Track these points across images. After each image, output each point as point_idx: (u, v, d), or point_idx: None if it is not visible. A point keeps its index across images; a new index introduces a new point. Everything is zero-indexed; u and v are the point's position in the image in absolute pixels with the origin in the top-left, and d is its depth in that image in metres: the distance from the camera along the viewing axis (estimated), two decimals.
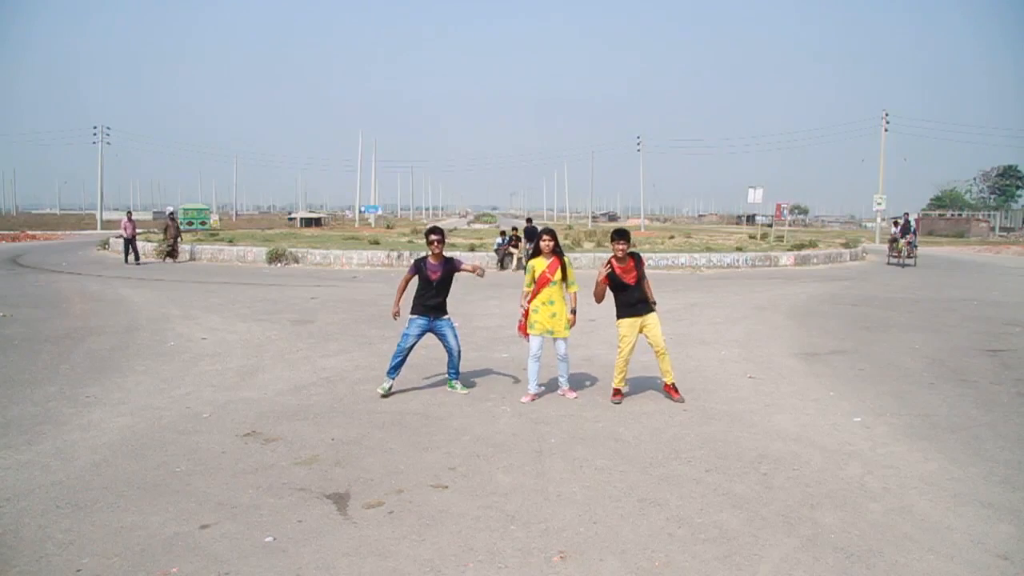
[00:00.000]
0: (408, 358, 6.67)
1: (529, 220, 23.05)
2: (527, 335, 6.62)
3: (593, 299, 6.61)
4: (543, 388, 6.80)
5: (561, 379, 6.74)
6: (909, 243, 23.67)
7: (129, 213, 24.53)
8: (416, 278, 6.61)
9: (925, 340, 9.90)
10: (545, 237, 6.58)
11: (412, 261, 6.48)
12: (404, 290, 6.68)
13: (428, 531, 3.91)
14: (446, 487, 4.52)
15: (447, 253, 7.04)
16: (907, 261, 23.97)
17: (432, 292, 6.51)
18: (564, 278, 6.51)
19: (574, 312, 6.60)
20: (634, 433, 5.62)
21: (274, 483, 4.55)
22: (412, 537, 3.84)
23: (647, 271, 6.65)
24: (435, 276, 6.49)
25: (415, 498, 4.35)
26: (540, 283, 6.48)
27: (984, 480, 4.73)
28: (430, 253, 6.58)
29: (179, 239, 23.35)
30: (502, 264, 21.70)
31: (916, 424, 5.96)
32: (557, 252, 6.54)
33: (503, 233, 23.70)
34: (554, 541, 3.81)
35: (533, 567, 3.54)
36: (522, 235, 21.37)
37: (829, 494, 4.46)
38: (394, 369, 6.59)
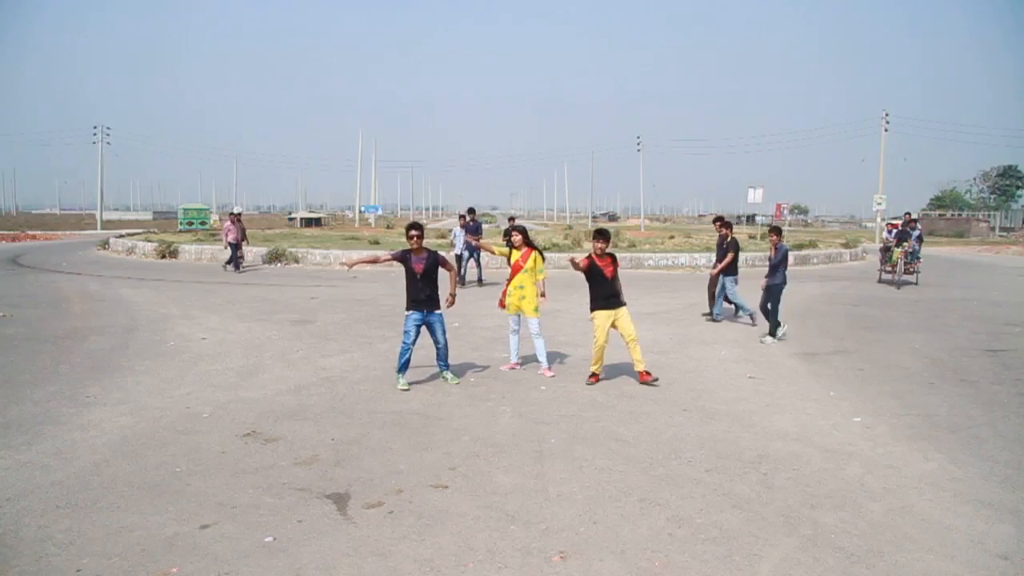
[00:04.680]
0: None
1: (512, 220, 16.90)
2: (503, 306, 7.70)
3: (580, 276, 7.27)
4: (521, 360, 7.85)
5: (539, 357, 7.65)
6: (907, 252, 17.44)
7: (232, 214, 20.33)
8: (404, 272, 6.85)
9: (925, 340, 9.90)
10: (515, 233, 7.65)
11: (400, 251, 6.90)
12: (371, 261, 7.26)
13: (428, 531, 3.91)
14: (446, 487, 4.53)
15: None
16: (906, 278, 17.66)
17: (419, 285, 6.77)
18: (535, 267, 7.53)
19: (543, 295, 7.70)
20: (634, 433, 5.62)
21: (274, 483, 4.55)
22: (412, 537, 3.84)
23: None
24: (419, 268, 6.76)
25: (415, 498, 4.35)
26: (514, 270, 7.54)
27: (984, 480, 4.74)
28: (411, 247, 6.82)
29: (244, 242, 20.01)
30: (462, 276, 16.03)
31: (916, 424, 5.96)
32: (529, 245, 7.56)
33: (464, 218, 16.62)
34: (554, 541, 3.81)
35: (533, 567, 3.54)
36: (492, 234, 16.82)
37: (829, 494, 4.46)
38: (403, 367, 6.89)
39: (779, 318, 9.76)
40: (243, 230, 19.86)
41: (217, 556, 3.62)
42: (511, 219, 18.79)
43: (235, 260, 19.45)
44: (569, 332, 10.03)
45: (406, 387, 6.81)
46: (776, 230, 9.94)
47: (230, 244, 19.49)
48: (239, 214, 20.54)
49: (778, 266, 9.68)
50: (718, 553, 3.69)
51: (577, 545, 3.77)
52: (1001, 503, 4.36)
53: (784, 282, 9.73)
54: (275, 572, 3.48)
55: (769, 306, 9.70)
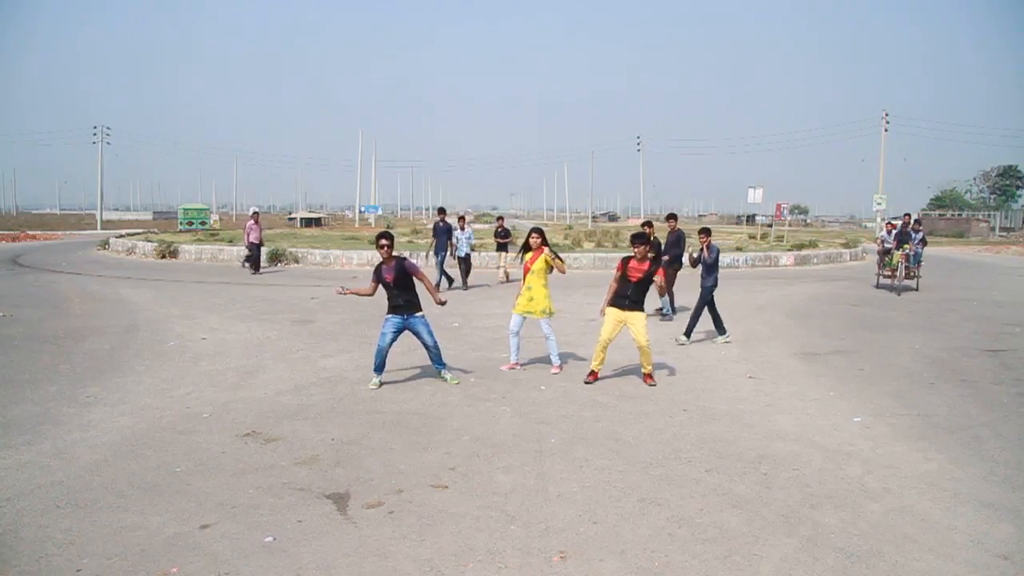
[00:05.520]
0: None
1: (500, 220, 18.35)
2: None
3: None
4: (521, 361, 7.88)
5: (552, 355, 7.70)
6: (908, 256, 15.87)
7: (254, 214, 19.17)
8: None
9: (925, 340, 9.90)
10: (533, 235, 7.62)
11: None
12: (362, 293, 7.19)
13: (428, 531, 3.91)
14: (446, 487, 4.53)
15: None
16: (906, 283, 16.10)
17: (394, 292, 6.93)
18: (548, 268, 7.50)
19: (561, 261, 7.50)
20: (634, 433, 5.62)
21: (274, 483, 4.55)
22: (412, 537, 3.84)
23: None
24: (389, 277, 6.92)
25: (415, 498, 4.35)
26: (524, 271, 7.58)
27: (984, 480, 4.74)
28: (382, 258, 6.95)
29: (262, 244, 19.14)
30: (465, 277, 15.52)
31: (916, 424, 5.96)
32: (544, 245, 7.52)
33: (441, 213, 15.68)
34: (554, 541, 3.81)
35: (533, 567, 3.54)
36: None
37: (829, 494, 4.46)
38: (379, 368, 6.96)
39: (698, 324, 9.54)
40: (260, 230, 18.80)
41: (217, 556, 3.62)
42: (499, 219, 18.59)
43: (255, 261, 18.60)
44: (570, 332, 10.04)
45: (377, 386, 6.88)
46: (706, 231, 9.68)
47: (252, 244, 18.42)
48: (257, 213, 19.57)
49: (713, 267, 9.51)
50: (718, 553, 3.69)
51: (577, 545, 3.77)
52: (1001, 503, 4.36)
53: (715, 284, 9.54)
54: (275, 572, 3.48)
55: (696, 306, 9.52)
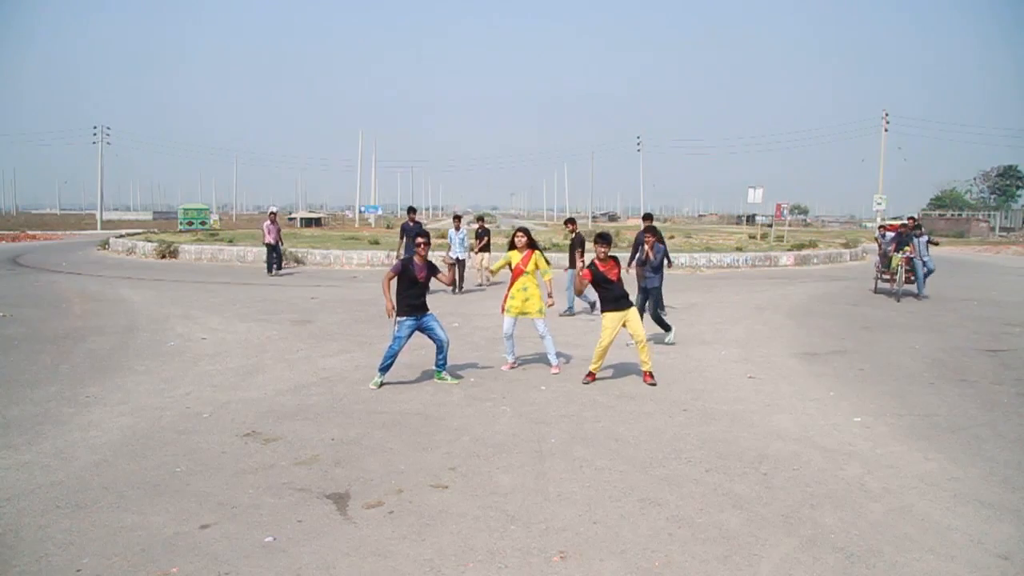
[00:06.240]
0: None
1: (481, 220, 17.46)
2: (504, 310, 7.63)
3: (574, 292, 7.50)
4: (518, 360, 7.90)
5: (549, 355, 7.66)
6: (909, 259, 14.78)
7: (271, 213, 18.70)
8: (397, 278, 6.95)
9: (925, 340, 9.90)
10: (519, 234, 7.65)
11: (397, 261, 7.10)
12: (391, 288, 6.94)
13: (428, 531, 3.91)
14: (446, 487, 4.53)
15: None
16: (906, 287, 15.01)
17: (417, 291, 6.94)
18: (537, 268, 7.56)
19: (550, 295, 7.68)
20: (634, 433, 5.62)
21: (274, 483, 4.55)
22: (412, 537, 3.84)
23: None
24: (422, 276, 6.95)
25: (415, 498, 4.35)
26: (515, 273, 7.53)
27: (984, 480, 4.74)
28: (416, 254, 7.04)
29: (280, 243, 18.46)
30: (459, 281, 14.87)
31: (916, 424, 5.96)
32: (531, 246, 7.56)
33: (411, 212, 14.87)
34: (554, 541, 3.81)
35: (533, 567, 3.54)
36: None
37: (829, 494, 4.46)
38: (385, 369, 6.97)
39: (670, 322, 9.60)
40: (278, 230, 18.19)
41: (217, 556, 3.62)
42: (480, 219, 17.48)
43: (276, 262, 18.12)
44: (569, 332, 10.04)
45: (377, 386, 6.89)
46: (651, 230, 9.60)
47: (268, 245, 18.00)
48: (275, 212, 18.99)
49: (659, 268, 9.52)
50: (718, 553, 3.69)
51: (577, 545, 3.77)
52: (1001, 503, 4.37)
53: (660, 284, 9.56)
54: (275, 572, 3.48)
55: (650, 308, 9.48)
